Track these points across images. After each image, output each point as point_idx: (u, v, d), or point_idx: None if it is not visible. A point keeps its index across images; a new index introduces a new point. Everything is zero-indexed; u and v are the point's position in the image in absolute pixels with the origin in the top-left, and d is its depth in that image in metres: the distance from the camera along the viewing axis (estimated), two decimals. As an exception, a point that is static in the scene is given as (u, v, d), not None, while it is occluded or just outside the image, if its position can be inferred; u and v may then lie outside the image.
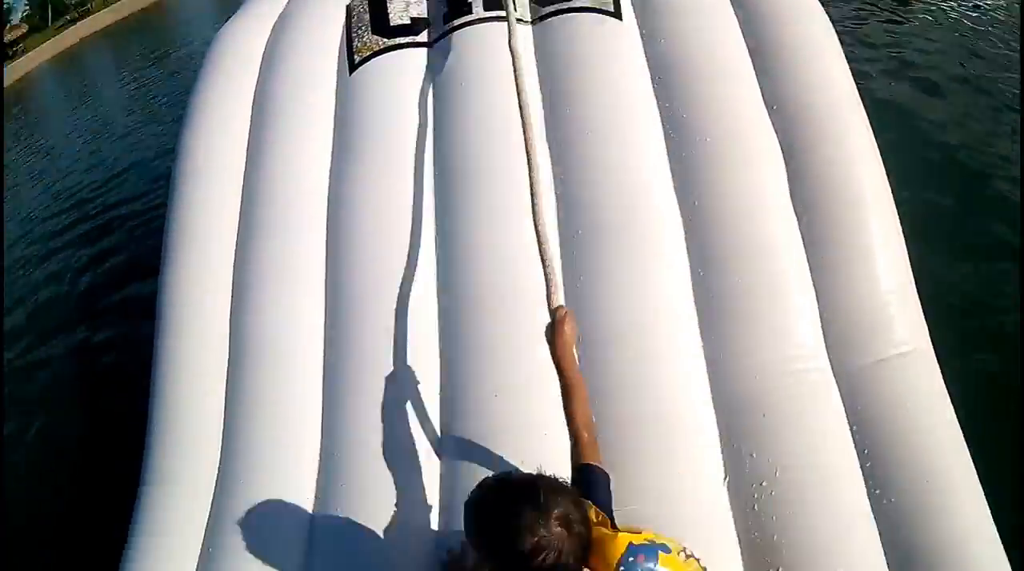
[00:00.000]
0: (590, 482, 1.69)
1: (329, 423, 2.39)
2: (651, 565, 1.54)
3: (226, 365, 2.56)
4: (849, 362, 2.22)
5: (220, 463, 2.44)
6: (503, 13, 2.73)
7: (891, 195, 2.39)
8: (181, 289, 2.73)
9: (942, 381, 2.17)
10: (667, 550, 1.56)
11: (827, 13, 2.80)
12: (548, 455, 1.65)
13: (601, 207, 2.48)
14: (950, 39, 7.12)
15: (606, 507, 1.64)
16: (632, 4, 2.84)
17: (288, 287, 2.64)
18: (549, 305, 2.01)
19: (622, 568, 1.52)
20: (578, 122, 2.63)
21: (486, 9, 2.88)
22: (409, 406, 2.34)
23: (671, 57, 2.69)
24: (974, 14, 7.39)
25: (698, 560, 1.61)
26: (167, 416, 2.52)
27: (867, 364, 2.20)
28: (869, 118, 2.50)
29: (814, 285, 2.31)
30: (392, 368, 2.38)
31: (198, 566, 2.26)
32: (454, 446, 2.25)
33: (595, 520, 1.56)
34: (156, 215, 6.93)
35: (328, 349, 2.49)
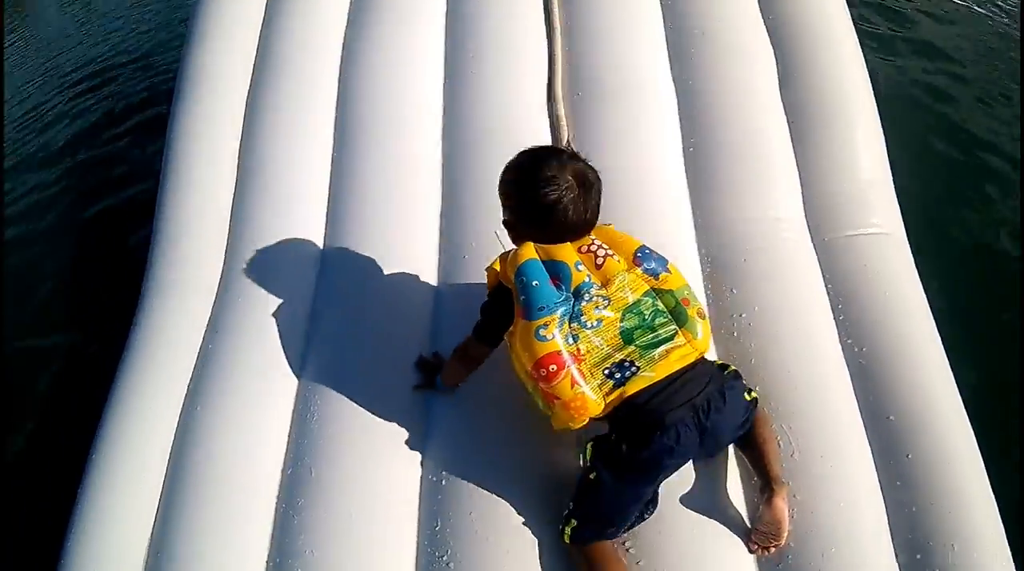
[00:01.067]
0: None
1: (329, 245, 2.61)
2: (662, 264, 1.89)
3: (232, 189, 2.75)
4: (827, 231, 2.47)
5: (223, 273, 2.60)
6: None
7: (874, 100, 2.75)
8: (191, 126, 2.95)
9: (913, 266, 2.44)
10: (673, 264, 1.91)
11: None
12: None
13: (603, 74, 2.76)
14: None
15: None
16: None
17: (297, 131, 2.85)
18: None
19: (638, 254, 1.87)
20: (585, 6, 2.96)
21: None
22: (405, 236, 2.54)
23: None
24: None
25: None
26: (173, 229, 2.72)
27: (843, 236, 2.46)
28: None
29: (798, 167, 2.58)
30: (396, 205, 2.61)
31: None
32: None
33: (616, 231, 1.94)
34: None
35: (333, 182, 2.71)
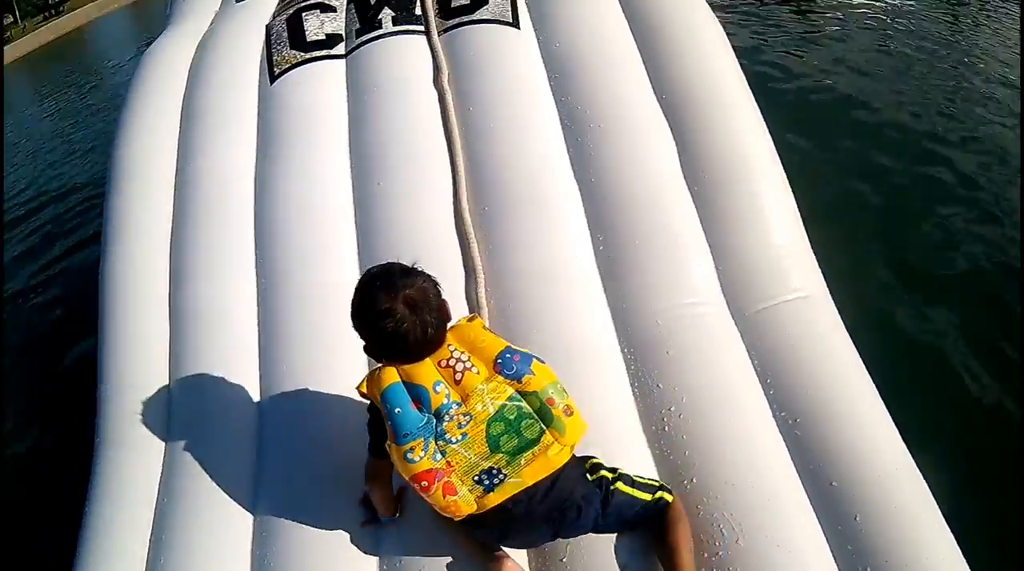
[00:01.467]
0: None
1: (265, 384, 2.68)
2: (525, 366, 1.93)
3: (168, 337, 2.84)
4: (747, 306, 2.56)
5: (168, 423, 2.68)
6: (411, 27, 3.34)
7: (779, 161, 2.86)
8: (121, 276, 3.03)
9: (841, 322, 2.54)
10: (540, 360, 1.98)
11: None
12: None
13: (506, 187, 2.86)
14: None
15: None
16: (529, 15, 3.38)
17: (221, 269, 2.93)
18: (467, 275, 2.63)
19: (499, 360, 1.92)
20: (483, 117, 3.04)
21: (395, 24, 3.41)
22: (336, 367, 2.61)
23: (565, 57, 3.15)
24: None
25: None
26: (116, 384, 2.80)
27: (765, 307, 2.55)
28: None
29: (709, 245, 2.69)
30: (322, 338, 2.70)
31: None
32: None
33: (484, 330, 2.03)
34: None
35: (261, 319, 2.81)
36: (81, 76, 21.99)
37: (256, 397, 2.61)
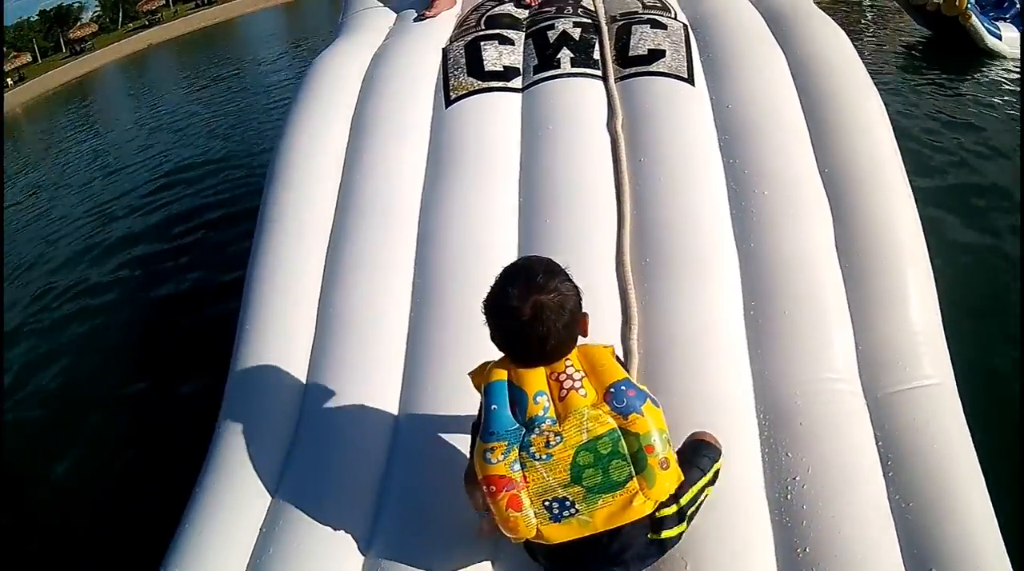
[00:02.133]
0: None
1: (405, 401, 2.90)
2: (637, 403, 1.93)
3: (311, 340, 3.09)
4: (879, 388, 2.79)
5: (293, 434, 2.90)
6: (589, 71, 3.62)
7: (925, 247, 3.06)
8: (271, 270, 3.29)
9: (962, 414, 2.76)
10: (656, 403, 1.98)
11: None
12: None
13: (670, 241, 3.12)
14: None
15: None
16: (704, 72, 3.65)
17: (377, 278, 3.18)
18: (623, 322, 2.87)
19: (612, 389, 1.94)
20: (653, 168, 3.31)
21: (573, 65, 3.69)
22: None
23: (736, 120, 3.41)
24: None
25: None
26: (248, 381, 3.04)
27: (895, 391, 2.77)
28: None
29: (852, 321, 2.92)
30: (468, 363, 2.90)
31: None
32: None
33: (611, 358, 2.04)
34: (191, 215, 8.90)
35: (411, 334, 3.04)
36: (224, 65, 23.95)
37: (394, 413, 2.86)
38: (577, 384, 1.93)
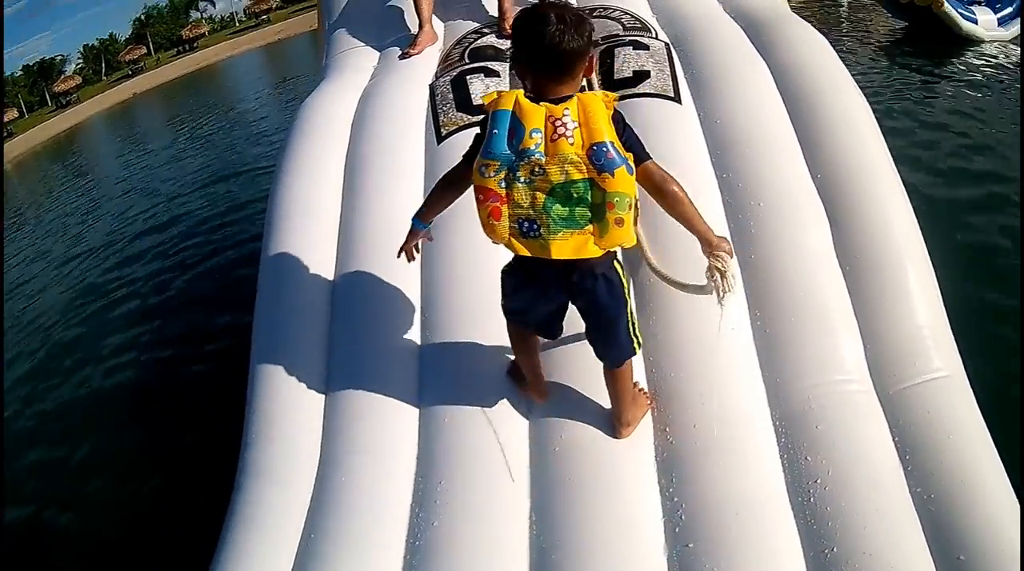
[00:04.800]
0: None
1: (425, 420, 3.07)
2: (612, 165, 2.25)
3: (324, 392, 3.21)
4: (890, 384, 2.91)
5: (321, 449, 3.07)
6: None
7: (923, 242, 3.20)
8: (278, 317, 3.41)
9: (975, 404, 2.88)
10: (630, 170, 2.30)
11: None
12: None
13: (671, 261, 3.17)
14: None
15: (629, 132, 2.45)
16: (689, 90, 3.78)
17: (384, 322, 3.30)
18: None
19: (595, 147, 2.24)
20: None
21: None
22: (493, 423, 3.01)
23: (726, 134, 3.54)
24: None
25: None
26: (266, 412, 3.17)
27: (907, 386, 2.90)
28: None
29: (858, 321, 3.05)
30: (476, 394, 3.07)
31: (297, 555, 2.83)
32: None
33: (608, 106, 2.35)
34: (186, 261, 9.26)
35: (422, 375, 3.17)
36: (209, 111, 24.67)
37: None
38: (568, 132, 2.25)
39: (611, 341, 2.68)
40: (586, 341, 2.83)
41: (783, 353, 2.97)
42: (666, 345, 3.03)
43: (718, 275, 2.62)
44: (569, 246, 2.33)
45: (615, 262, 2.56)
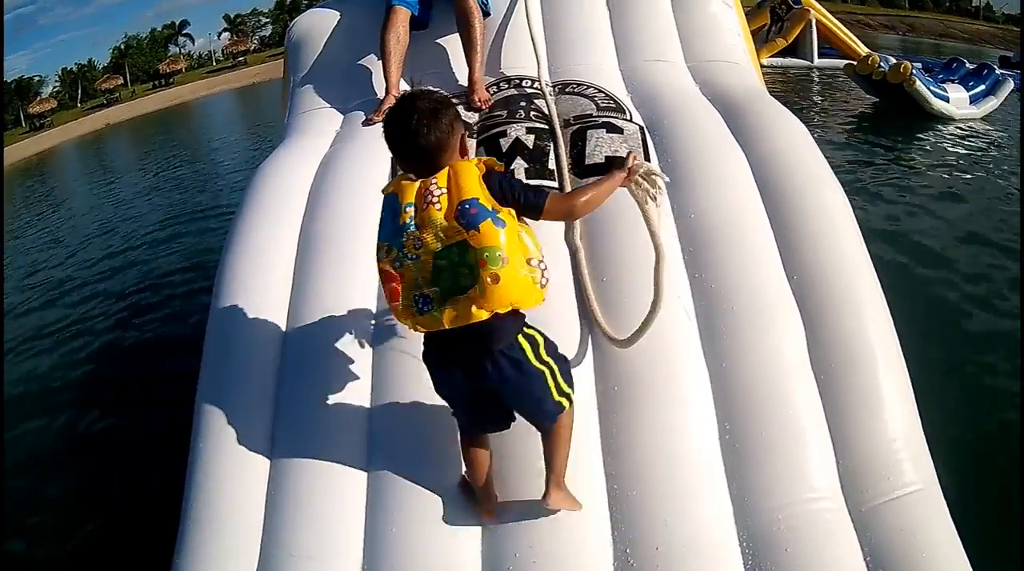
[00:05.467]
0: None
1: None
2: (477, 220, 2.29)
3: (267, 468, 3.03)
4: (863, 501, 2.80)
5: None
6: (543, 183, 3.55)
7: (900, 351, 3.09)
8: (220, 405, 3.15)
9: (949, 517, 2.77)
10: (497, 224, 2.33)
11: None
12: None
13: (636, 365, 3.06)
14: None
15: (509, 185, 2.46)
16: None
17: (331, 415, 3.09)
18: None
19: (459, 206, 2.32)
20: (615, 283, 3.27)
21: (527, 176, 3.60)
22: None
23: (700, 231, 3.39)
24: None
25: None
26: (204, 511, 2.97)
27: (879, 503, 2.78)
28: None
29: (830, 433, 2.93)
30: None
31: None
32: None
33: (478, 168, 2.43)
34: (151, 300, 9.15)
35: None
36: (180, 148, 25.51)
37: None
38: (435, 199, 2.35)
39: (535, 412, 2.64)
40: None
41: (752, 469, 2.84)
42: (628, 460, 2.86)
43: (648, 198, 2.83)
44: (455, 313, 2.34)
45: (519, 336, 2.50)
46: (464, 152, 2.57)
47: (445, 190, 2.36)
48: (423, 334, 2.57)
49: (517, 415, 2.71)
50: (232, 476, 3.02)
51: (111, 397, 6.79)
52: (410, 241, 2.37)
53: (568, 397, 2.62)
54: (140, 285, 9.94)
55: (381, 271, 2.49)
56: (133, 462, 5.39)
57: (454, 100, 4.26)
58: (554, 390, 2.56)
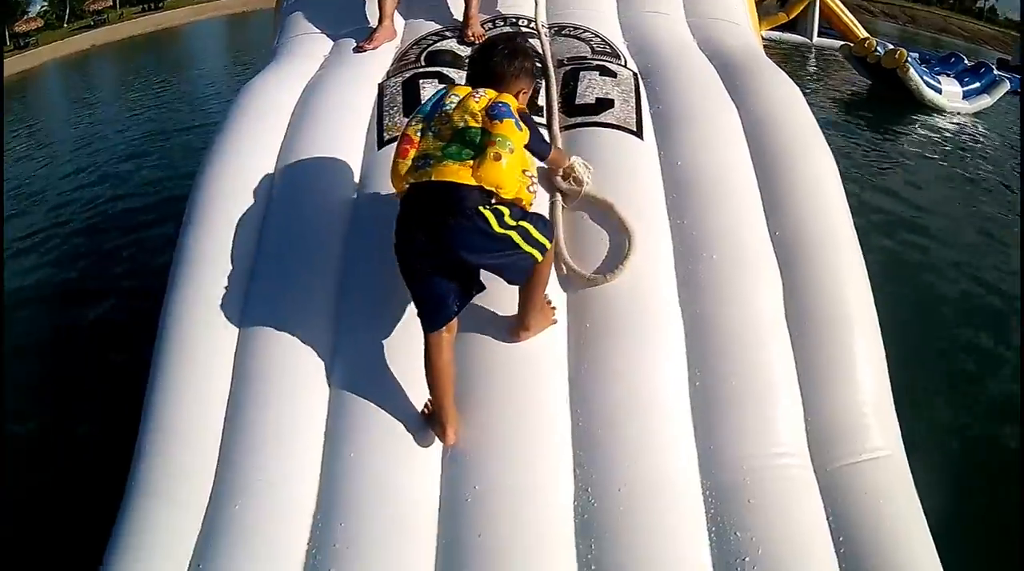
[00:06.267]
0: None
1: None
2: (503, 116, 2.66)
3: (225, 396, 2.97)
4: (828, 461, 2.77)
5: (216, 474, 2.82)
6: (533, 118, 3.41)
7: (876, 315, 3.07)
8: (185, 318, 3.12)
9: (912, 485, 2.77)
10: (519, 127, 2.70)
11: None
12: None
13: (611, 305, 3.04)
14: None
15: (532, 127, 2.86)
16: (654, 126, 3.60)
17: (297, 325, 3.03)
18: None
19: (494, 104, 2.69)
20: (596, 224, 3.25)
21: None
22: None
23: (686, 178, 3.35)
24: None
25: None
26: (162, 427, 2.92)
27: (845, 464, 2.76)
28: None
29: (800, 391, 2.90)
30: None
31: None
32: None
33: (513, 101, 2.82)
34: (128, 226, 8.81)
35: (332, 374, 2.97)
36: (165, 73, 24.83)
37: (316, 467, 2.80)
38: (477, 97, 2.73)
39: (505, 270, 2.80)
40: (504, 365, 2.88)
41: (720, 418, 2.81)
42: (596, 401, 2.82)
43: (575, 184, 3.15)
44: (448, 171, 2.62)
45: (481, 207, 2.65)
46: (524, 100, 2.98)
47: (487, 96, 2.74)
48: (399, 205, 2.80)
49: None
50: (190, 397, 2.96)
51: (78, 319, 6.68)
52: (440, 118, 2.74)
53: (541, 247, 2.74)
54: (114, 197, 9.91)
55: (403, 135, 2.82)
56: (95, 389, 5.29)
57: (447, 33, 4.23)
58: (524, 243, 2.70)
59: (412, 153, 2.73)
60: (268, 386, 2.94)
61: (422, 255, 2.71)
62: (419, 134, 2.76)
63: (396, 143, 2.83)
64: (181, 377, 3.00)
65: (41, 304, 7.21)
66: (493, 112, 2.68)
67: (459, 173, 2.61)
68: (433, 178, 2.64)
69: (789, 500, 2.68)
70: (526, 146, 2.79)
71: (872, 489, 2.69)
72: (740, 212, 3.23)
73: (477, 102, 2.72)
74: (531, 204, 2.82)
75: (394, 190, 2.87)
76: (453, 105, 2.74)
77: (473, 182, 2.61)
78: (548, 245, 2.79)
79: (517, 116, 2.75)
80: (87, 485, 4.04)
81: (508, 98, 2.78)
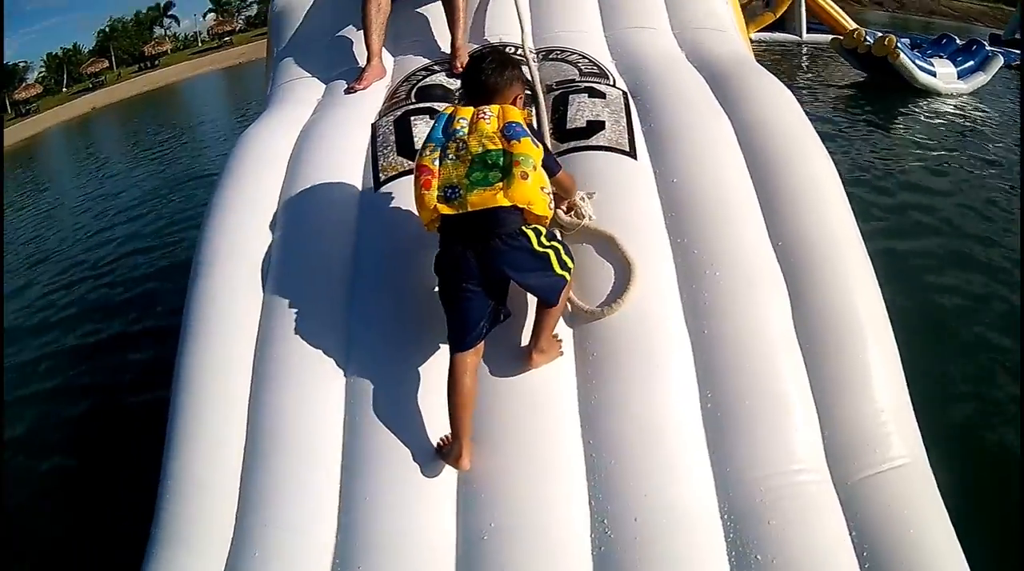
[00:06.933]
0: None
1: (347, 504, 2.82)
2: (519, 135, 2.72)
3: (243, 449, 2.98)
4: (849, 474, 2.71)
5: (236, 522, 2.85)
6: None
7: (888, 320, 3.00)
8: (199, 373, 3.13)
9: (937, 491, 2.70)
10: (536, 144, 2.76)
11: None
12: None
13: (616, 332, 2.99)
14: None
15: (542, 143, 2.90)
16: (646, 144, 3.54)
17: (309, 375, 3.05)
18: None
19: (507, 125, 2.75)
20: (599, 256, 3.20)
21: None
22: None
23: (683, 195, 3.30)
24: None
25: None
26: (182, 475, 2.95)
27: (864, 477, 2.70)
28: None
29: (816, 405, 2.84)
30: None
31: None
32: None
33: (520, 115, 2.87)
34: (138, 287, 8.93)
35: (347, 428, 2.95)
36: (166, 130, 25.17)
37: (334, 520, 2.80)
38: (487, 117, 2.80)
39: (542, 287, 2.85)
40: (514, 398, 2.87)
41: (734, 439, 2.76)
42: (606, 430, 2.78)
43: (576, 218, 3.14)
44: (481, 199, 2.70)
45: (523, 227, 2.77)
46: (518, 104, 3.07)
47: (495, 115, 2.81)
48: (438, 236, 2.87)
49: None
50: (209, 444, 2.98)
51: (94, 370, 6.81)
52: (455, 143, 2.78)
53: (568, 270, 2.86)
54: (124, 253, 10.10)
55: (418, 167, 2.84)
56: (116, 439, 5.33)
57: (435, 67, 4.23)
58: (557, 265, 2.81)
59: (435, 182, 2.77)
60: (283, 431, 2.94)
61: (469, 277, 2.77)
62: (436, 163, 2.79)
63: (414, 175, 2.84)
64: (197, 426, 3.02)
65: (53, 357, 7.34)
66: (509, 133, 2.74)
67: (493, 198, 2.69)
68: (469, 208, 2.71)
69: (810, 518, 2.62)
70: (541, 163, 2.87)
71: (896, 499, 2.64)
72: (740, 226, 3.18)
73: (488, 123, 2.77)
74: (550, 220, 2.91)
75: (422, 222, 2.87)
76: (465, 130, 2.79)
77: (507, 202, 2.70)
78: (572, 268, 2.89)
79: (531, 133, 2.80)
80: (113, 532, 4.15)
81: (515, 114, 2.83)
